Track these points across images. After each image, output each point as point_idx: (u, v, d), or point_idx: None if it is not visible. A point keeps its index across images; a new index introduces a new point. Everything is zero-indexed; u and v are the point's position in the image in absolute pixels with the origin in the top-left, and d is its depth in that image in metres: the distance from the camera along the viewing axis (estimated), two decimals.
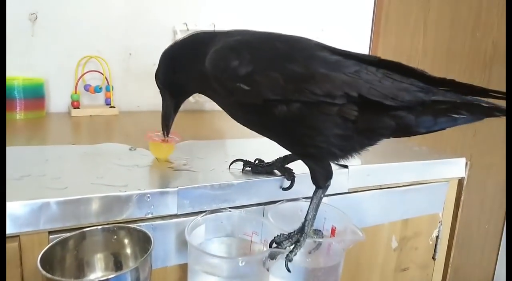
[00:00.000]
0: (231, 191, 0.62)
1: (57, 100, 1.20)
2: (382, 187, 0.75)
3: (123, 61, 1.27)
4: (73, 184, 0.57)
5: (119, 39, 1.25)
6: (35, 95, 1.09)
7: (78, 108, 1.14)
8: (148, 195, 0.56)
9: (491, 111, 0.50)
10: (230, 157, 0.72)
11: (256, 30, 0.61)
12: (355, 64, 0.53)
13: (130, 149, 0.78)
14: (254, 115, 0.56)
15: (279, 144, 0.59)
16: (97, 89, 1.18)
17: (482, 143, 1.60)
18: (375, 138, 0.56)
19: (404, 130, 0.53)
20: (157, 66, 0.67)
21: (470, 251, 1.71)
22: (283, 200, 0.65)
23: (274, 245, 0.55)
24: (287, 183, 0.66)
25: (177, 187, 0.58)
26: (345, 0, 1.61)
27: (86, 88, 1.19)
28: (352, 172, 0.72)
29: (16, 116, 1.05)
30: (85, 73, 1.18)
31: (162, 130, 0.70)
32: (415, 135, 0.54)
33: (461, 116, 0.51)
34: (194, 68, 0.60)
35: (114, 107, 1.20)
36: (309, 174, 0.58)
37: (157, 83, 0.68)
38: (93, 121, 1.08)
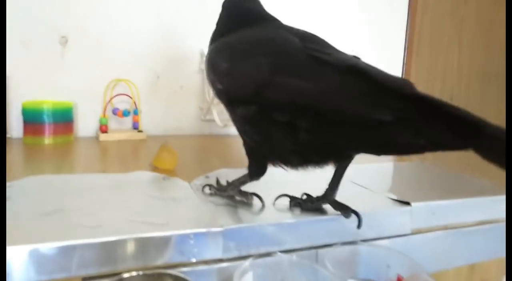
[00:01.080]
0: (280, 232, 0.55)
1: (85, 124, 1.16)
2: (447, 227, 0.67)
3: (151, 84, 1.23)
4: (108, 221, 0.52)
5: (147, 62, 1.21)
6: (64, 119, 1.06)
7: (106, 132, 1.10)
8: (192, 236, 0.50)
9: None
10: (273, 189, 0.66)
11: (262, 32, 0.60)
12: (323, 68, 0.47)
13: (163, 179, 0.72)
14: (230, 116, 0.59)
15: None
16: (126, 113, 1.14)
17: None
18: (334, 154, 0.53)
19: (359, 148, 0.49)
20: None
21: None
22: (337, 243, 0.58)
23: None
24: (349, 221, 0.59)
25: (222, 226, 0.52)
26: (377, 19, 1.56)
27: (115, 112, 1.15)
28: (416, 210, 0.64)
29: (45, 140, 1.01)
30: (114, 96, 1.15)
31: None
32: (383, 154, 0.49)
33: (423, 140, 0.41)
34: None
35: (141, 131, 1.15)
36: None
37: None
38: (121, 146, 1.03)
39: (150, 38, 1.21)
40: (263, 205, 0.62)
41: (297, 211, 0.60)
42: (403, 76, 1.63)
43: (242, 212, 0.59)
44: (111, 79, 1.14)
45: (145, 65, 1.21)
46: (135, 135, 1.13)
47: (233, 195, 0.62)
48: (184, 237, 0.50)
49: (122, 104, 1.18)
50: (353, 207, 0.59)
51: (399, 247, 0.59)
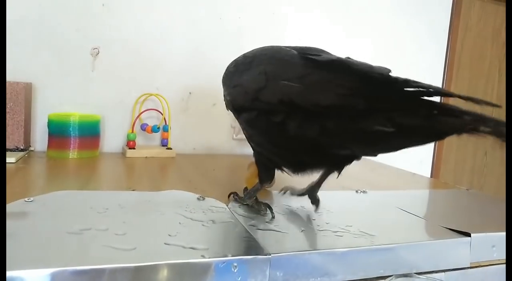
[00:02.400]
0: (331, 261, 0.49)
1: (111, 139, 1.12)
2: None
3: (182, 100, 1.19)
4: (142, 244, 0.47)
5: (179, 77, 1.18)
6: (91, 133, 1.02)
7: (134, 148, 1.06)
8: (235, 263, 0.45)
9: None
10: (315, 215, 0.60)
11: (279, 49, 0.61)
12: (311, 67, 0.51)
13: (198, 199, 0.67)
14: (240, 124, 0.65)
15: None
16: (155, 129, 1.10)
17: None
18: (321, 152, 0.52)
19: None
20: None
21: None
22: (391, 275, 0.52)
23: None
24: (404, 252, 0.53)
25: (269, 254, 0.46)
26: (416, 43, 1.51)
27: (143, 127, 1.11)
28: (476, 242, 0.58)
29: (69, 154, 0.98)
30: (144, 111, 1.11)
31: None
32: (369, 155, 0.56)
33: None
34: None
35: (171, 148, 1.11)
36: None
37: None
38: (149, 164, 0.99)
39: (185, 53, 1.18)
40: (273, 217, 0.61)
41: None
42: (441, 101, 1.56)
43: (288, 238, 0.53)
44: (141, 93, 1.11)
45: (178, 80, 1.18)
46: (164, 152, 1.09)
47: (250, 204, 0.64)
48: (227, 265, 0.44)
49: (151, 119, 1.15)
50: (407, 236, 0.53)
51: None
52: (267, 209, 0.62)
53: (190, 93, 1.19)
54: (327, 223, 0.60)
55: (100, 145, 1.06)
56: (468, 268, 0.58)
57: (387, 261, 0.52)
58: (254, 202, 0.64)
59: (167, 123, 1.13)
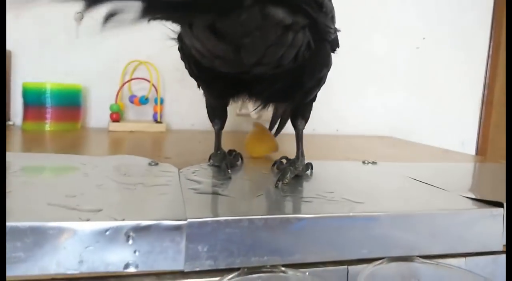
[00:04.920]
0: (284, 233, 0.34)
1: (97, 112, 1.01)
2: None
3: (177, 70, 1.06)
4: (24, 203, 0.34)
5: (172, 43, 1.05)
6: (70, 103, 0.92)
7: (118, 121, 0.95)
8: (131, 232, 0.31)
9: None
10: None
11: None
12: None
13: (149, 164, 0.54)
14: None
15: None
16: (143, 100, 0.98)
17: None
18: None
19: None
20: None
21: None
22: (383, 258, 0.36)
23: None
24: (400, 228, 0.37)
25: (186, 219, 0.32)
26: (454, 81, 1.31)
27: (131, 99, 0.99)
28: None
29: (46, 126, 0.87)
30: (129, 80, 0.99)
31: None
32: None
33: None
34: None
35: (161, 122, 0.98)
36: None
37: None
38: (134, 138, 0.86)
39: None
40: (229, 177, 0.48)
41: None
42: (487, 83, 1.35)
43: (233, 204, 0.38)
44: (130, 61, 0.99)
45: (172, 47, 1.05)
46: (151, 127, 0.96)
47: (216, 164, 0.54)
48: (115, 232, 0.30)
49: (143, 92, 1.02)
50: (409, 206, 0.37)
51: (482, 271, 0.36)
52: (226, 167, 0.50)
53: None
54: (299, 188, 0.44)
55: (82, 117, 0.95)
56: (500, 252, 0.40)
57: (375, 237, 0.36)
58: (218, 161, 0.54)
59: (158, 95, 1.00)
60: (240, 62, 0.37)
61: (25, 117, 0.89)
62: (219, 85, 0.45)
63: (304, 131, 0.63)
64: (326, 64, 0.45)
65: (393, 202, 0.42)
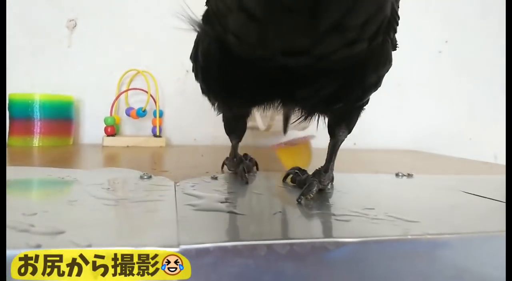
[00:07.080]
0: (322, 265, 0.24)
1: (91, 127, 0.93)
2: None
3: (178, 80, 0.98)
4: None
5: (173, 53, 0.97)
6: (61, 117, 0.83)
7: (113, 135, 0.86)
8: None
9: None
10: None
11: None
12: None
13: (141, 177, 0.44)
14: None
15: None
16: (140, 113, 0.89)
17: None
18: None
19: None
20: None
21: None
22: None
23: None
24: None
25: (179, 245, 0.22)
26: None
27: (128, 112, 0.91)
28: None
29: (34, 142, 0.79)
30: (124, 91, 0.91)
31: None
32: None
33: None
34: None
35: (160, 136, 0.89)
36: None
37: None
38: (129, 153, 0.76)
39: (179, 23, 0.98)
40: (246, 182, 0.43)
41: None
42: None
43: (242, 223, 0.29)
44: (127, 70, 0.91)
45: (171, 55, 0.97)
46: (149, 141, 0.87)
47: (233, 170, 0.50)
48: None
49: (140, 104, 0.94)
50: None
51: None
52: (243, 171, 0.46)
53: (187, 71, 0.98)
54: (326, 204, 0.35)
55: (74, 131, 0.87)
56: None
57: (446, 266, 0.26)
58: (235, 166, 0.50)
59: (157, 107, 0.91)
60: (309, 26, 0.25)
61: (11, 132, 0.80)
62: (249, 85, 0.35)
63: (316, 145, 0.55)
64: (390, 60, 0.35)
65: (458, 220, 0.32)
